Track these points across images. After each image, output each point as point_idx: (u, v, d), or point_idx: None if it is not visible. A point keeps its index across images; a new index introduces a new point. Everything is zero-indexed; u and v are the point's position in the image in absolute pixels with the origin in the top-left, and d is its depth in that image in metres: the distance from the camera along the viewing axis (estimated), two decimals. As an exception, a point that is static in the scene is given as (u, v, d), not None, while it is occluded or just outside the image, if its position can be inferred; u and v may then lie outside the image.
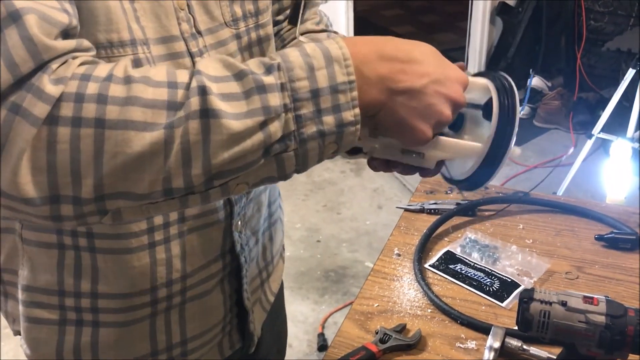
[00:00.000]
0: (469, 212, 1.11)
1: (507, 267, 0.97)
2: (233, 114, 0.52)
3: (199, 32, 0.71)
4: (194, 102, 0.51)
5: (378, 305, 0.91)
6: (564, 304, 0.62)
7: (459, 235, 1.06)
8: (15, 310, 0.78)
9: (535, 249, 1.02)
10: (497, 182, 2.82)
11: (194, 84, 0.52)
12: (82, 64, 0.53)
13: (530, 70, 3.59)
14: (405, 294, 0.93)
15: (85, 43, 0.55)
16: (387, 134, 0.64)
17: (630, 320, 0.62)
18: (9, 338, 2.10)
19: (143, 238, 0.72)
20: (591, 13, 3.45)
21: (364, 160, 0.68)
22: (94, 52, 0.56)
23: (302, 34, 0.87)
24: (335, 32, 0.88)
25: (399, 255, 1.02)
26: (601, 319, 0.62)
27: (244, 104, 0.53)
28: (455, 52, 4.13)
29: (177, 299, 0.78)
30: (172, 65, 0.68)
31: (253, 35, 0.77)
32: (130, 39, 0.63)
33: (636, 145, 2.45)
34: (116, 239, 0.71)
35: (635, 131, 2.49)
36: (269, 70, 0.54)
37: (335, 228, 2.67)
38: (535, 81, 3.53)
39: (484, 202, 1.13)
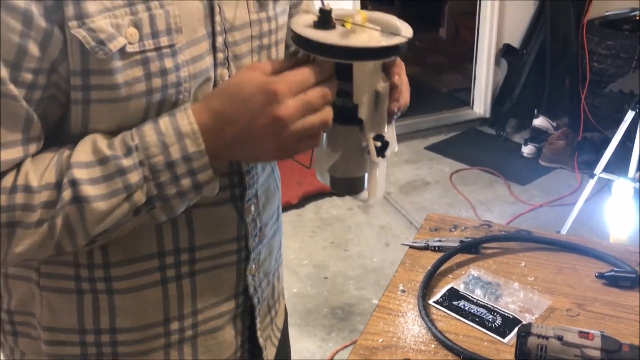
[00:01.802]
0: (473, 249, 1.13)
1: (509, 304, 0.99)
2: (100, 196, 0.64)
3: None
4: (67, 194, 0.64)
5: (382, 341, 0.94)
6: (560, 338, 0.65)
7: (463, 272, 1.08)
8: (28, 347, 0.81)
9: (537, 286, 1.04)
10: (502, 221, 2.85)
11: (66, 179, 0.64)
12: None
13: (535, 110, 3.64)
14: (410, 329, 0.96)
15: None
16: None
17: (625, 355, 0.64)
18: None
19: (155, 275, 0.77)
20: (594, 55, 3.51)
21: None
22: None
23: None
24: None
25: (403, 291, 1.04)
26: (596, 353, 0.64)
27: (109, 185, 0.65)
28: (461, 93, 4.21)
29: (189, 333, 0.82)
30: None
31: None
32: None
33: (637, 185, 2.47)
34: (132, 278, 0.76)
35: (637, 171, 2.52)
36: (129, 151, 0.65)
37: (342, 265, 2.69)
38: (540, 121, 3.58)
39: (487, 239, 1.15)
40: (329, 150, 0.74)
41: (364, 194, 0.77)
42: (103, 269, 0.75)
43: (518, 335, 0.68)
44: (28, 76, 0.62)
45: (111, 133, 0.68)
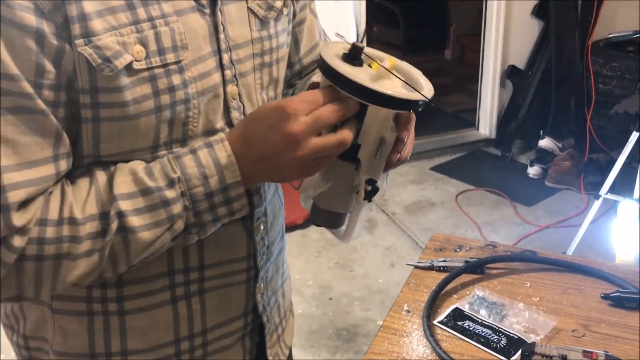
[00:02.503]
0: (478, 269, 1.13)
1: (514, 324, 0.99)
2: (145, 226, 0.67)
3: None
4: (114, 226, 0.66)
5: (387, 361, 0.93)
6: (564, 358, 0.64)
7: (468, 292, 1.08)
8: None
9: (542, 307, 1.04)
10: (508, 242, 2.84)
11: (112, 211, 0.66)
12: (39, 203, 0.65)
13: (541, 131, 3.65)
14: (414, 349, 0.95)
15: (51, 188, 0.67)
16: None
17: (630, 376, 0.64)
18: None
19: (165, 294, 0.77)
20: (599, 77, 3.53)
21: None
22: (53, 185, 0.68)
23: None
24: None
25: (408, 311, 1.04)
26: (601, 373, 0.64)
27: (153, 216, 0.67)
28: (467, 114, 4.22)
29: (199, 352, 0.82)
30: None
31: None
32: (154, 145, 0.71)
33: (643, 206, 2.47)
34: (143, 297, 0.77)
35: (642, 192, 2.51)
36: (171, 183, 0.68)
37: (347, 286, 2.68)
38: (546, 142, 3.58)
39: (492, 260, 1.15)
40: (319, 179, 0.75)
41: (340, 230, 0.79)
42: (115, 287, 0.75)
43: (522, 355, 0.67)
44: (50, 93, 0.63)
45: (123, 154, 0.69)
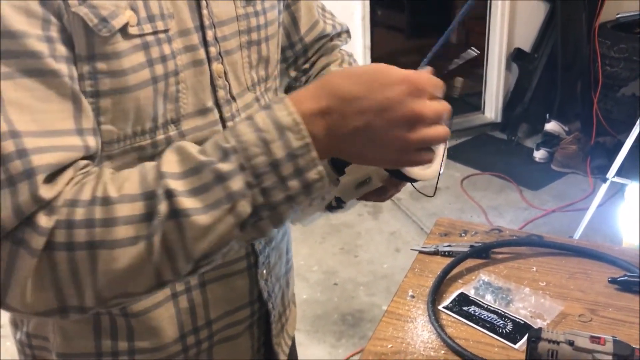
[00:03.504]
0: (483, 254, 1.12)
1: (520, 309, 0.98)
2: (200, 209, 0.56)
3: (233, 98, 0.75)
4: (163, 208, 0.56)
5: (392, 346, 0.93)
6: (571, 343, 0.63)
7: (473, 277, 1.07)
8: None
9: (549, 292, 1.03)
10: (514, 226, 2.83)
11: (159, 190, 0.56)
12: (74, 184, 0.58)
13: (547, 115, 3.62)
14: (419, 335, 0.95)
15: (82, 163, 0.60)
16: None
17: (638, 361, 0.63)
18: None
19: (166, 291, 0.76)
20: (606, 59, 3.49)
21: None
22: (89, 168, 0.61)
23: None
24: None
25: (413, 297, 1.03)
26: (608, 358, 0.63)
27: (208, 196, 0.56)
28: (472, 97, 4.19)
29: (206, 344, 0.82)
30: (201, 131, 0.72)
31: (266, 98, 0.82)
32: (153, 125, 0.67)
33: (651, 189, 2.45)
34: (146, 298, 0.74)
35: (650, 175, 2.49)
36: (225, 155, 0.57)
37: (352, 271, 2.68)
38: (552, 126, 3.55)
39: (498, 244, 1.14)
40: None
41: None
42: None
43: (528, 340, 0.66)
44: (62, 47, 0.58)
45: (125, 137, 0.66)
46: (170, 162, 0.58)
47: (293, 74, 0.94)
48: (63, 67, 0.58)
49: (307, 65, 0.95)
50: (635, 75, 3.45)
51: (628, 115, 3.35)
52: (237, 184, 0.56)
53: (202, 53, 0.71)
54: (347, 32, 0.99)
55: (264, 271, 0.85)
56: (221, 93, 0.74)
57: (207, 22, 0.71)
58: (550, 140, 3.52)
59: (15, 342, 0.84)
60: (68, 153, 0.57)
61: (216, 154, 0.57)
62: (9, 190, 0.54)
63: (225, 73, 0.74)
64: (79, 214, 0.56)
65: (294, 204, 0.59)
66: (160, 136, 0.69)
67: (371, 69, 0.60)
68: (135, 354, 0.77)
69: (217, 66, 0.73)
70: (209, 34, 0.71)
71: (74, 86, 0.59)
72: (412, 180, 0.70)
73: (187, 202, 0.56)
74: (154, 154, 0.68)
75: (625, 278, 1.03)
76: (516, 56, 3.80)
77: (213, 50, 0.72)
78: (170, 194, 0.56)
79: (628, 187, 2.51)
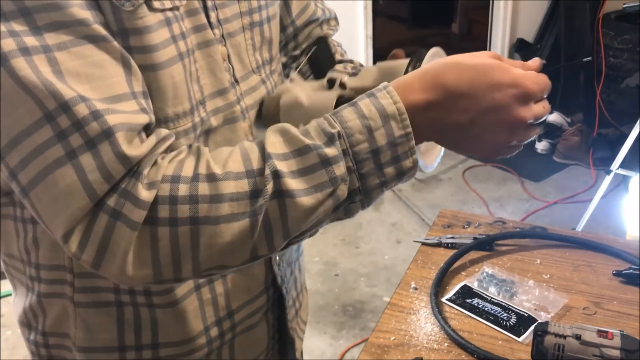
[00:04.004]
0: (486, 246, 1.11)
1: (524, 302, 0.97)
2: (304, 190, 0.57)
3: (236, 81, 0.74)
4: (270, 187, 0.57)
5: (394, 339, 0.92)
6: (578, 337, 0.63)
7: (476, 269, 1.06)
8: None
9: (553, 284, 1.02)
10: (516, 218, 2.82)
11: (267, 170, 0.57)
12: (170, 161, 0.58)
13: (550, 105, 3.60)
14: (422, 327, 0.94)
15: (163, 132, 0.60)
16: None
17: (646, 355, 0.62)
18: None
19: (189, 283, 0.75)
20: (610, 50, 3.47)
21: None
22: (172, 139, 0.61)
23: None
24: (351, 61, 0.91)
25: (415, 289, 1.02)
26: (616, 353, 0.62)
27: (313, 179, 0.58)
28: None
29: (229, 336, 0.81)
30: (226, 118, 0.72)
31: (272, 80, 0.81)
32: (190, 107, 0.67)
33: (656, 181, 2.43)
34: (170, 291, 0.74)
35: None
36: (330, 140, 0.58)
37: (353, 262, 2.67)
38: (555, 117, 3.53)
39: (502, 236, 1.13)
40: None
41: None
42: None
43: (534, 334, 0.66)
44: (102, 16, 0.58)
45: (167, 119, 0.64)
46: (274, 142, 0.59)
47: (283, 59, 0.93)
48: (108, 33, 0.58)
49: (297, 52, 0.94)
50: (639, 66, 3.43)
51: (631, 107, 3.33)
52: (340, 169, 0.58)
53: (210, 34, 0.70)
54: (336, 18, 0.98)
55: (277, 257, 0.84)
56: (226, 76, 0.73)
57: (209, 4, 0.70)
58: (552, 132, 3.50)
59: (28, 344, 0.81)
60: (134, 115, 0.57)
61: (321, 137, 0.58)
62: (90, 153, 0.54)
63: (228, 56, 0.73)
64: (183, 189, 0.56)
65: (385, 188, 0.61)
66: (197, 118, 0.68)
67: (482, 65, 0.61)
68: (159, 347, 0.76)
69: (221, 49, 0.72)
70: (212, 15, 0.70)
71: (122, 50, 0.59)
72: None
73: (293, 184, 0.57)
74: (195, 138, 0.68)
75: (630, 271, 1.02)
76: (519, 47, 3.78)
77: (217, 32, 0.71)
78: (277, 175, 0.57)
79: (632, 180, 2.49)
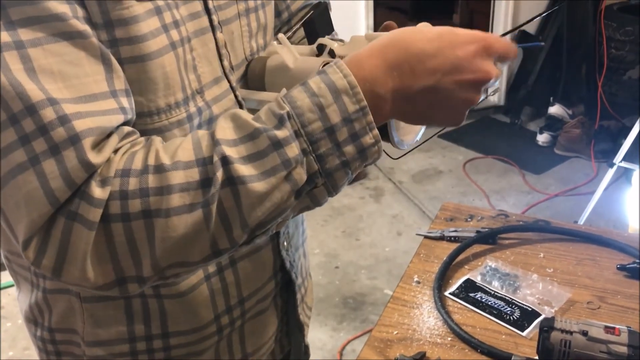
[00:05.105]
0: (490, 240, 1.10)
1: (527, 296, 0.97)
2: (256, 176, 0.55)
3: (232, 68, 0.73)
4: (220, 175, 0.55)
5: (397, 333, 0.91)
6: (585, 333, 0.62)
7: (480, 263, 1.05)
8: None
9: (556, 278, 1.01)
10: (517, 210, 2.81)
11: (215, 157, 0.55)
12: (122, 155, 0.56)
13: (551, 98, 3.58)
14: (425, 321, 0.93)
15: (126, 129, 0.58)
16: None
17: (653, 352, 0.62)
18: (9, 329, 2.12)
19: (199, 272, 0.74)
20: (612, 42, 3.45)
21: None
22: (135, 136, 0.59)
23: None
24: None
25: (418, 282, 1.02)
26: (623, 349, 0.61)
27: (264, 163, 0.55)
28: (475, 80, 4.15)
29: (239, 322, 0.81)
30: (221, 107, 0.70)
31: None
32: (184, 97, 0.65)
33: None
34: (179, 282, 0.73)
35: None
36: (280, 122, 0.56)
37: (354, 254, 2.67)
38: (556, 109, 3.52)
39: (505, 230, 1.12)
40: None
41: None
42: None
43: (540, 329, 0.65)
44: (82, 11, 0.56)
45: (159, 110, 0.63)
46: (224, 128, 0.57)
47: None
48: (88, 28, 0.56)
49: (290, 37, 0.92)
50: (641, 58, 3.41)
51: (633, 99, 3.31)
52: (292, 150, 0.56)
53: (205, 20, 0.68)
54: (328, 4, 0.96)
55: (285, 242, 0.84)
56: (226, 63, 0.72)
57: None
58: (553, 124, 3.49)
59: (35, 340, 0.81)
60: (108, 117, 0.55)
61: (271, 120, 0.56)
62: (54, 159, 0.53)
63: (225, 43, 0.72)
64: (132, 183, 0.55)
65: (349, 170, 0.58)
66: (192, 108, 0.67)
67: (440, 29, 0.60)
68: (169, 337, 0.75)
69: (220, 35, 0.71)
70: (210, 2, 0.69)
71: (102, 46, 0.57)
72: (392, 143, 0.69)
73: (243, 169, 0.55)
74: (191, 128, 0.67)
75: (634, 265, 1.01)
76: (520, 39, 3.75)
77: (215, 19, 0.70)
78: (226, 161, 0.55)
79: (635, 173, 2.49)
